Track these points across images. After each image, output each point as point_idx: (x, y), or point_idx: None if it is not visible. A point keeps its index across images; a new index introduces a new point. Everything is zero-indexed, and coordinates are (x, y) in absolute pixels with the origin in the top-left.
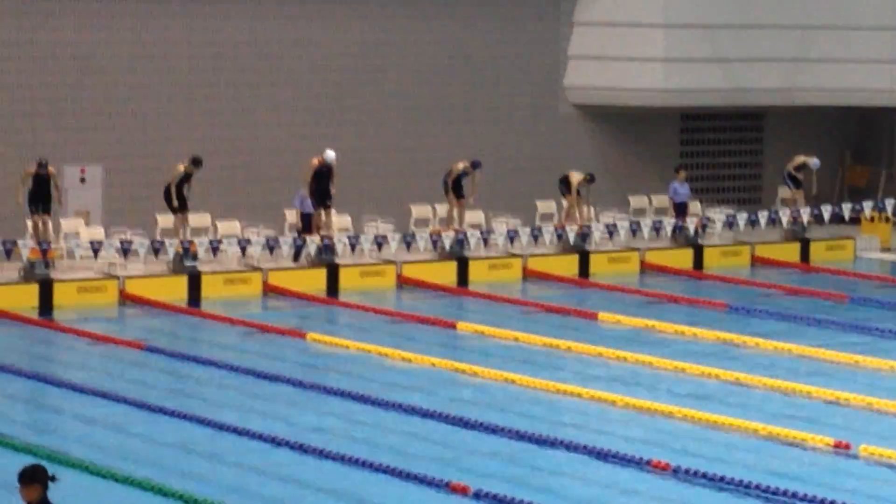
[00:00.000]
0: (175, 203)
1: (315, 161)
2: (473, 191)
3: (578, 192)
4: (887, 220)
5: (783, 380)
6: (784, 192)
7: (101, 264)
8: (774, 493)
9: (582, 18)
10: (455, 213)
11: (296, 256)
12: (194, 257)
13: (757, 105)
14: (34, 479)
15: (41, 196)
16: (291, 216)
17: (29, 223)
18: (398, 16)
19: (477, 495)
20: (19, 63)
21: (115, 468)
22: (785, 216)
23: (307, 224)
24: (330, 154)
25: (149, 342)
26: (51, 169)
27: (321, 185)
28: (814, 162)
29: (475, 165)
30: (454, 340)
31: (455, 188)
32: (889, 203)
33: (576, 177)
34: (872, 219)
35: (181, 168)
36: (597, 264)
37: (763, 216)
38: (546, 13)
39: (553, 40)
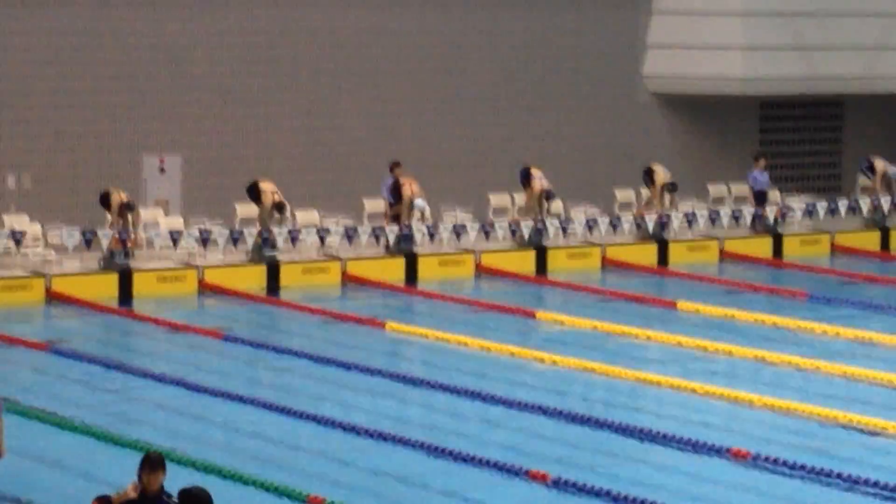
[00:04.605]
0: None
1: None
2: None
3: (661, 190)
4: None
5: (863, 368)
6: (864, 180)
7: (181, 254)
8: (855, 482)
9: (660, 7)
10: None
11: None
12: (273, 247)
13: (837, 93)
14: (163, 464)
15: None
16: (370, 205)
17: (108, 216)
18: (477, 6)
19: (556, 483)
20: (98, 53)
21: (194, 456)
22: (865, 204)
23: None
24: (419, 203)
25: (227, 331)
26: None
27: None
28: (894, 171)
29: (549, 196)
30: (533, 329)
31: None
32: None
33: (660, 176)
34: None
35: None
36: (676, 253)
37: (843, 204)
38: (625, 2)
39: (632, 29)
